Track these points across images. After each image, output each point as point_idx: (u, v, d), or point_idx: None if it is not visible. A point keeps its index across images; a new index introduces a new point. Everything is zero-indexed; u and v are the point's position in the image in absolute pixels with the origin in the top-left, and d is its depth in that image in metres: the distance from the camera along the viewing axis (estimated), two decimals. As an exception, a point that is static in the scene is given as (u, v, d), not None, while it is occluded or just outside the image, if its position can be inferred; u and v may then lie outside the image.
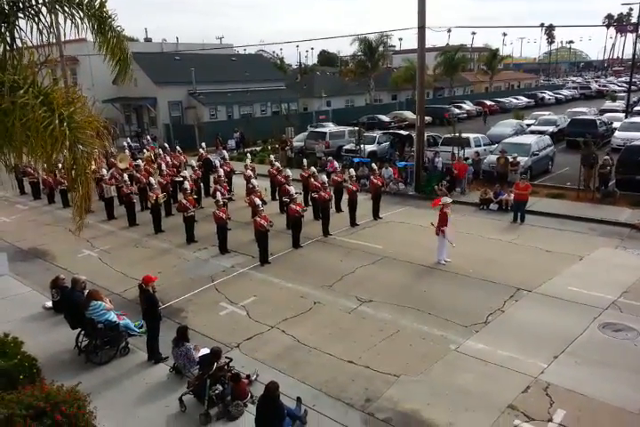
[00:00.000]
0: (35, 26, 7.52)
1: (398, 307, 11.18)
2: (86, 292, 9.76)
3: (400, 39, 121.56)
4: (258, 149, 33.09)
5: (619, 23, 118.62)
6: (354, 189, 16.99)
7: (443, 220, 13.37)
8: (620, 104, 43.24)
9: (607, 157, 19.69)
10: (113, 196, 19.18)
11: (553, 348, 9.35)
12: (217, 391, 7.83)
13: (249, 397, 7.80)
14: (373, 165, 19.48)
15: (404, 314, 10.86)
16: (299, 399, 7.94)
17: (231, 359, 8.44)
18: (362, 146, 25.69)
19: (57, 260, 14.93)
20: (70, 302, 9.88)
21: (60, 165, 19.69)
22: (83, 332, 9.53)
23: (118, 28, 8.46)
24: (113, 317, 9.38)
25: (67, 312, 9.94)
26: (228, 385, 7.99)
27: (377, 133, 29.43)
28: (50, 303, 11.34)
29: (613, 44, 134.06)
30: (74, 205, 7.64)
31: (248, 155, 23.10)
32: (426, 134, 22.79)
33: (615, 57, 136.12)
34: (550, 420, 7.50)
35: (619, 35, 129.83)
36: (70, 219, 7.71)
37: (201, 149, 24.01)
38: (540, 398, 7.99)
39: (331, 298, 11.77)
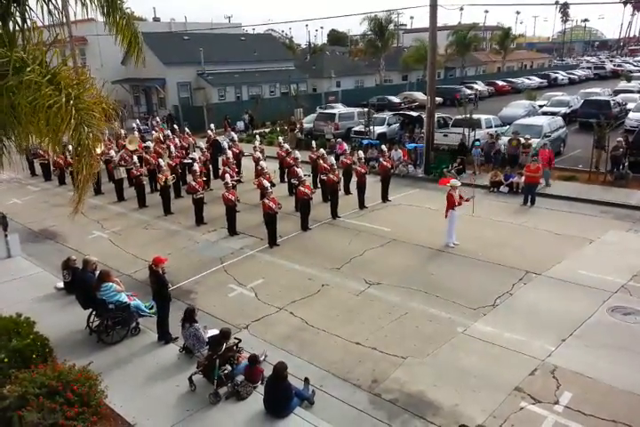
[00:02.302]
0: (44, 5, 7.47)
1: (406, 289, 11.21)
2: (97, 273, 9.87)
3: (411, 18, 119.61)
4: (267, 130, 32.94)
5: (636, 0, 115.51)
6: (363, 171, 16.91)
7: (450, 202, 13.31)
8: (636, 84, 42.40)
9: (620, 138, 19.39)
10: (123, 177, 19.25)
11: (561, 331, 9.36)
12: (226, 371, 7.94)
13: (259, 383, 7.89)
14: (383, 146, 19.35)
15: (412, 297, 10.89)
16: (306, 380, 8.04)
17: (240, 340, 8.53)
18: (371, 127, 25.48)
19: (68, 241, 15.08)
20: (81, 282, 9.98)
21: (70, 147, 19.88)
22: (94, 312, 9.66)
23: (128, 10, 8.42)
24: (124, 298, 9.48)
25: (78, 293, 10.06)
26: (237, 365, 8.10)
27: (387, 115, 29.14)
28: (61, 284, 11.48)
29: (630, 23, 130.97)
30: (75, 186, 7.65)
31: (257, 136, 22.99)
32: (436, 115, 22.56)
33: (631, 35, 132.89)
34: (557, 402, 7.54)
35: (636, 12, 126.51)
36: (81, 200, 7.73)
37: (209, 131, 23.95)
38: (546, 381, 8.02)
39: (339, 280, 11.81)
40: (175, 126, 27.49)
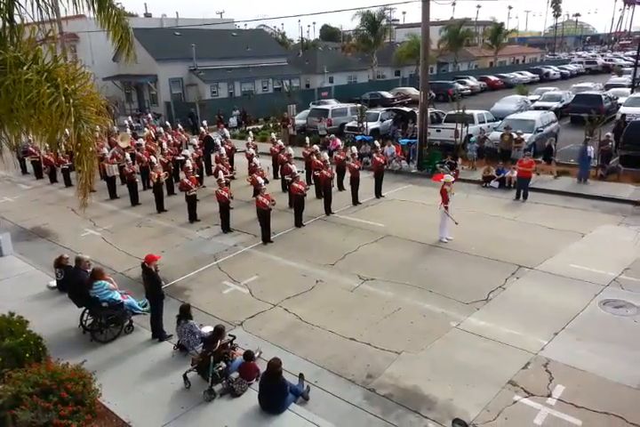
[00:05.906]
0: (34, 1, 7.42)
1: (400, 285, 11.24)
2: (90, 271, 9.83)
3: (404, 13, 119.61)
4: (259, 126, 32.84)
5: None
6: (356, 167, 16.90)
7: (443, 197, 13.34)
8: (627, 79, 42.57)
9: (610, 133, 19.49)
10: (115, 175, 19.14)
11: (553, 324, 9.42)
12: (221, 368, 7.94)
13: (254, 380, 7.89)
14: (376, 142, 19.33)
15: (406, 292, 10.92)
16: (301, 376, 8.05)
17: (234, 337, 8.54)
18: (364, 123, 25.46)
19: (60, 239, 15.00)
20: (74, 281, 9.94)
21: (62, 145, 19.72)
22: (87, 311, 9.62)
23: (119, 6, 8.38)
24: (117, 296, 9.44)
25: (71, 291, 10.01)
26: (232, 362, 8.10)
27: (380, 110, 29.13)
28: (54, 283, 11.42)
29: (621, 17, 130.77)
30: (78, 182, 7.61)
31: (250, 133, 22.92)
32: (429, 111, 22.55)
33: (622, 30, 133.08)
34: (550, 395, 7.60)
35: (627, 6, 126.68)
36: (73, 198, 7.73)
37: (202, 128, 23.85)
38: (539, 374, 8.08)
39: (333, 276, 11.82)
40: (167, 123, 27.29)
